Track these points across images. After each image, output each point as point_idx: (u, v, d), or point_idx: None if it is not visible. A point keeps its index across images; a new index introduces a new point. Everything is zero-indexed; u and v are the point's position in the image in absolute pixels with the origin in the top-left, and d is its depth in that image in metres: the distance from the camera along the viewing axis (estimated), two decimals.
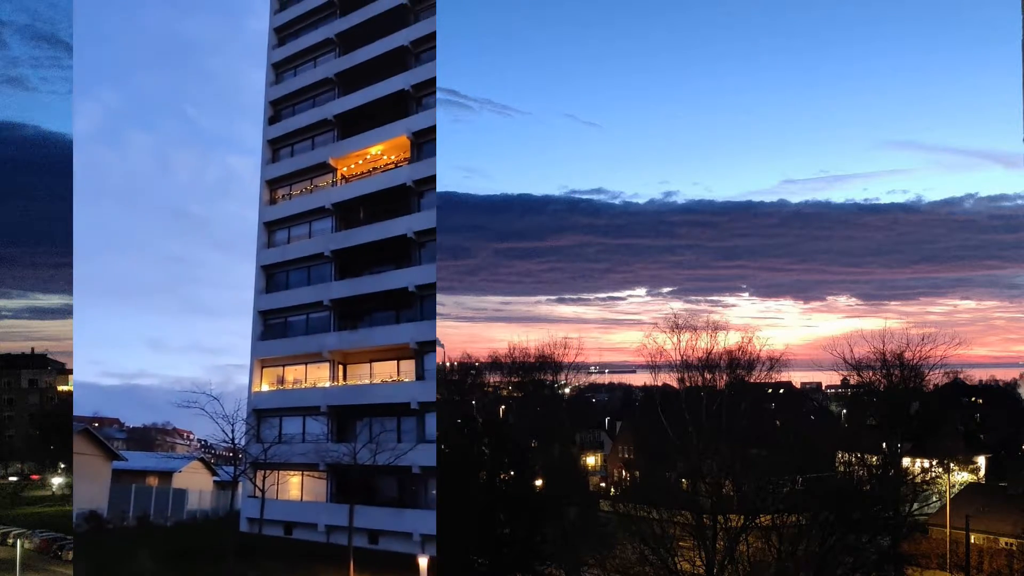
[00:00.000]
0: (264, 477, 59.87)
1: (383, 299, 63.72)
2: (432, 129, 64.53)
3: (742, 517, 47.87)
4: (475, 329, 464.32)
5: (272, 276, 71.81)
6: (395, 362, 62.33)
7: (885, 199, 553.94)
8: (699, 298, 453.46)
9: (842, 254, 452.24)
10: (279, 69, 78.78)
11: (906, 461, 75.34)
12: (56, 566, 72.03)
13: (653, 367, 66.39)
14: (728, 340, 63.80)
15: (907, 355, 75.13)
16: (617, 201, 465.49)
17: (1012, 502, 66.32)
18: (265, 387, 68.98)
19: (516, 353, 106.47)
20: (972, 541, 62.01)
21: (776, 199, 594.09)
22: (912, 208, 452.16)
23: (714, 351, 62.01)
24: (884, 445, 72.18)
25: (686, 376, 62.97)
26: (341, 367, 65.76)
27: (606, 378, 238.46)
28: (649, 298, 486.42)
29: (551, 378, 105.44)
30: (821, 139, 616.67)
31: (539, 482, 68.43)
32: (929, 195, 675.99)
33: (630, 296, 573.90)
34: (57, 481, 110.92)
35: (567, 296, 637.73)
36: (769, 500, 49.09)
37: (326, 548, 58.33)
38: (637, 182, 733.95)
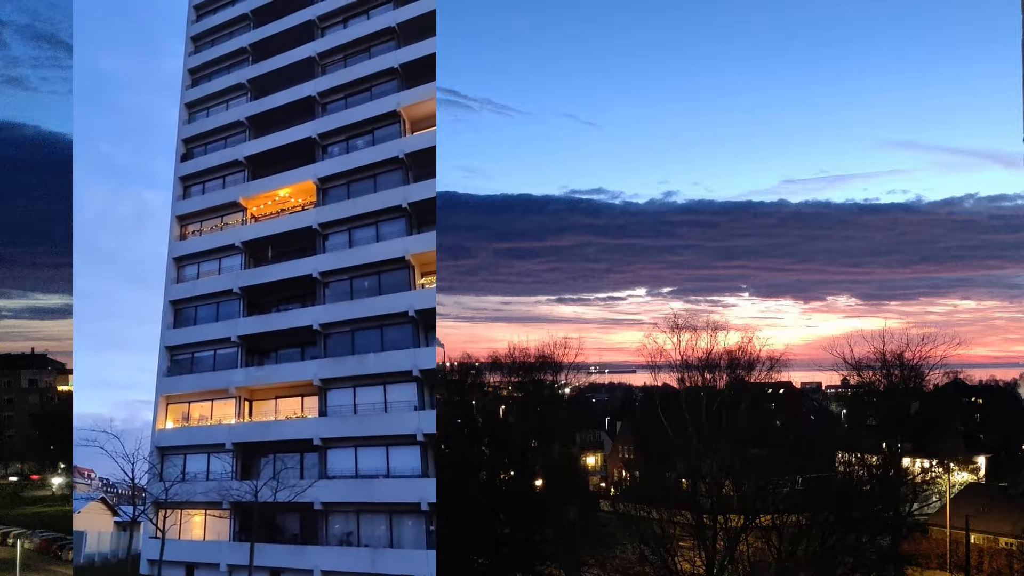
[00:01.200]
0: (165, 517, 59.59)
1: (290, 336, 64.51)
2: (343, 174, 66.10)
3: (742, 517, 47.89)
4: (475, 329, 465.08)
5: (180, 311, 71.89)
6: (300, 399, 62.86)
7: (885, 199, 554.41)
8: (699, 298, 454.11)
9: (842, 254, 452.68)
10: (192, 108, 79.97)
11: (906, 461, 75.37)
12: (56, 566, 72.03)
13: (653, 367, 66.44)
14: (728, 340, 63.87)
15: (907, 355, 75.29)
16: (617, 201, 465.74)
17: (1012, 502, 66.34)
18: (170, 424, 68.53)
19: (516, 353, 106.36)
20: (972, 541, 62.02)
21: (776, 199, 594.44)
22: (912, 208, 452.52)
23: (714, 351, 62.07)
24: (884, 445, 72.24)
25: (686, 376, 62.98)
26: (247, 404, 65.97)
27: (606, 378, 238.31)
28: (649, 298, 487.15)
29: (551, 378, 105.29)
30: (821, 139, 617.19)
31: (539, 482, 68.44)
32: (929, 195, 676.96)
33: (630, 296, 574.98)
34: (57, 481, 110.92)
35: (567, 296, 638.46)
36: (769, 500, 49.12)
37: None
38: (637, 182, 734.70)
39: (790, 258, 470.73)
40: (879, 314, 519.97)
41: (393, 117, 65.14)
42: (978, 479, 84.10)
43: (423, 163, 62.80)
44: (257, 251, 69.80)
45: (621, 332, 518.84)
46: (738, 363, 64.60)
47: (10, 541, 74.73)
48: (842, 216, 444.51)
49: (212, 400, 66.33)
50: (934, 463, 73.92)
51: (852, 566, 49.56)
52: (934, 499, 70.33)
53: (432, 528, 53.22)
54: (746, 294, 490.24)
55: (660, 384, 79.35)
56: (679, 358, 61.93)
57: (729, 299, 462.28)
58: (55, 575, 69.84)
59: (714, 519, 47.89)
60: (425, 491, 53.55)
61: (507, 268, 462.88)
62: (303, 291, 65.21)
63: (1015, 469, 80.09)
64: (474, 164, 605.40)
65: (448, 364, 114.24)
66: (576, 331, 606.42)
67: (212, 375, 66.90)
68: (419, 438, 54.81)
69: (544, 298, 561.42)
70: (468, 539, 50.08)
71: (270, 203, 71.10)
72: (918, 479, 68.72)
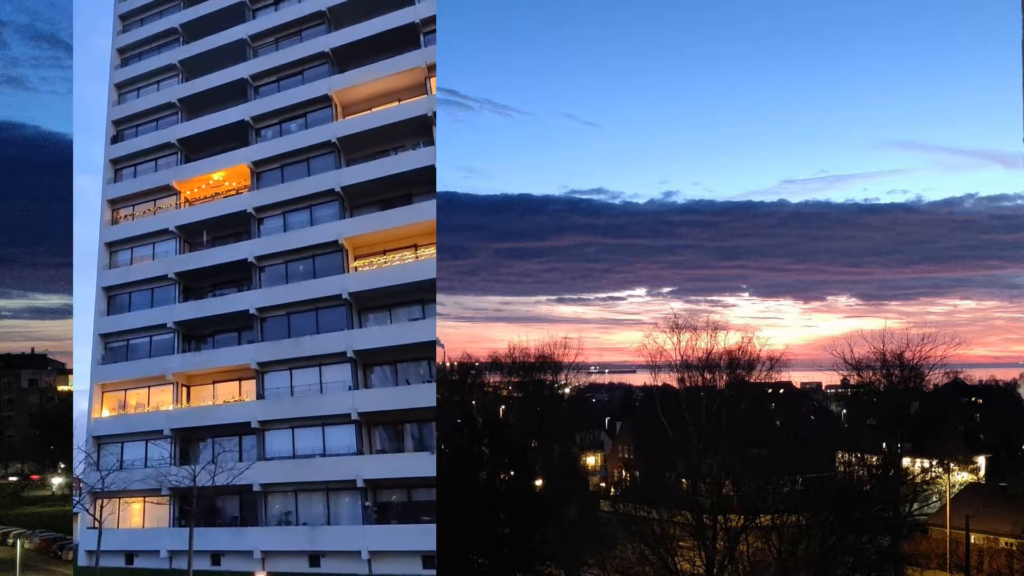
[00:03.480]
0: (102, 506, 59.48)
1: (226, 321, 64.36)
2: (277, 157, 65.87)
3: (742, 517, 47.89)
4: (475, 329, 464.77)
5: (114, 298, 71.27)
6: (237, 382, 62.90)
7: (885, 199, 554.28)
8: (699, 298, 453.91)
9: (842, 254, 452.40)
10: (122, 89, 79.08)
11: (906, 461, 75.32)
12: (56, 566, 72.04)
13: (653, 367, 66.51)
14: (728, 340, 63.90)
15: (907, 355, 75.25)
16: (617, 201, 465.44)
17: (1012, 502, 66.28)
18: (106, 412, 68.12)
19: (516, 353, 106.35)
20: (972, 541, 61.97)
21: (776, 199, 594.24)
22: (912, 208, 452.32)
23: (714, 351, 62.12)
24: (884, 445, 72.17)
25: (686, 376, 63.01)
26: (185, 389, 65.84)
27: (606, 378, 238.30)
28: (649, 298, 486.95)
29: (551, 378, 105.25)
30: (821, 139, 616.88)
31: (539, 482, 68.43)
32: (929, 195, 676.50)
33: (630, 296, 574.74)
34: (57, 481, 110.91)
35: (567, 296, 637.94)
36: (769, 500, 49.12)
37: (168, 574, 58.80)
38: (637, 182, 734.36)
39: (790, 258, 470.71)
40: (879, 314, 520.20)
41: (325, 101, 65.15)
42: (978, 479, 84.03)
43: (355, 147, 63.09)
44: (192, 236, 69.10)
45: (621, 332, 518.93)
46: (738, 363, 64.65)
47: (10, 541, 74.74)
48: (842, 216, 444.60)
49: (149, 387, 66.14)
50: (934, 463, 73.85)
51: (852, 566, 49.55)
52: (934, 499, 70.28)
53: (367, 504, 54.31)
54: (746, 294, 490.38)
55: (660, 384, 79.34)
56: (679, 358, 62.05)
57: (729, 299, 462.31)
58: (55, 575, 69.86)
59: (714, 519, 47.88)
60: (360, 468, 54.54)
61: (507, 268, 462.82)
62: (239, 275, 64.88)
63: (1015, 469, 80.00)
64: (474, 164, 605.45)
65: (448, 364, 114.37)
66: (576, 331, 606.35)
67: (148, 362, 66.44)
68: (354, 417, 55.60)
69: (544, 298, 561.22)
70: (468, 539, 50.08)
71: (204, 187, 70.15)
72: (918, 479, 68.66)
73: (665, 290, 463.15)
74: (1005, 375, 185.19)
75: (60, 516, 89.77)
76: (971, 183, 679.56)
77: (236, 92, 70.16)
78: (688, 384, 62.55)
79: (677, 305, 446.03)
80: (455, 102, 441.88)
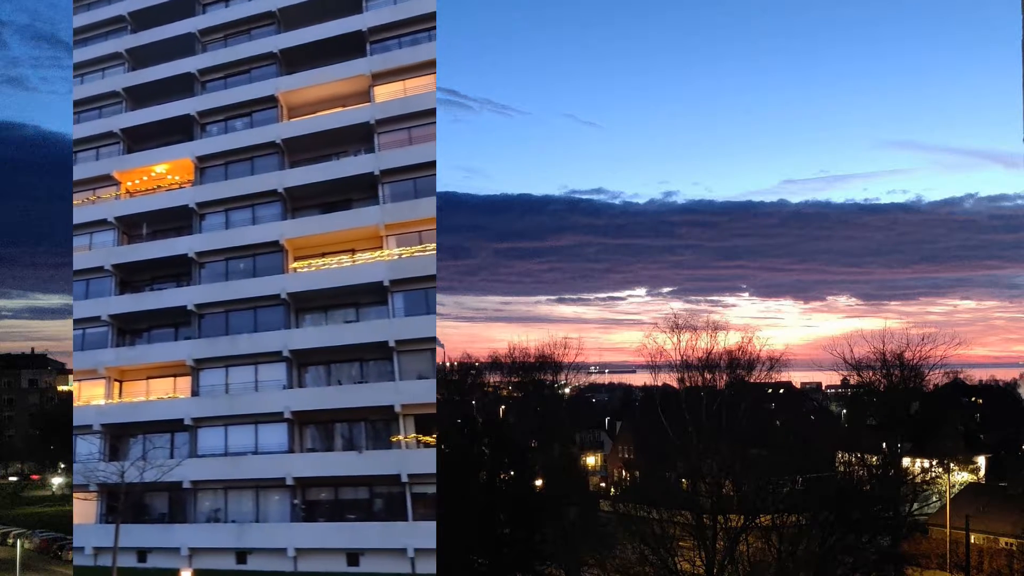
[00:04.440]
0: None
1: (163, 316, 63.62)
2: (222, 154, 65.37)
3: (742, 517, 47.90)
4: (475, 329, 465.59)
5: None
6: (172, 379, 62.52)
7: (885, 199, 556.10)
8: (699, 298, 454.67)
9: (842, 254, 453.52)
10: (75, 73, 77.50)
11: (906, 461, 75.31)
12: (56, 566, 72.11)
13: (653, 367, 66.47)
14: (728, 340, 63.85)
15: (907, 355, 75.31)
16: (617, 201, 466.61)
17: (1012, 502, 66.29)
18: None
19: (516, 353, 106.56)
20: (972, 541, 61.99)
21: (776, 199, 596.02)
22: (912, 208, 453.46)
23: (714, 351, 62.06)
24: (884, 445, 72.18)
25: (686, 376, 62.97)
26: (117, 384, 65.17)
27: (606, 378, 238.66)
28: (649, 298, 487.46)
29: (551, 378, 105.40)
30: (821, 139, 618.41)
31: (539, 482, 68.43)
32: (929, 195, 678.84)
33: (630, 296, 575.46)
34: (57, 481, 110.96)
35: (567, 296, 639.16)
36: (769, 500, 49.12)
37: (93, 571, 58.40)
38: (637, 182, 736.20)
39: (790, 258, 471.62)
40: (879, 314, 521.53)
41: (272, 102, 65.10)
42: (978, 479, 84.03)
43: (299, 149, 63.17)
44: (131, 228, 68.19)
45: (621, 332, 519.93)
46: (738, 363, 64.60)
47: (10, 541, 74.80)
48: (842, 216, 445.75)
49: (80, 380, 65.62)
50: (934, 463, 73.85)
51: (852, 566, 49.53)
52: (934, 499, 70.30)
53: (296, 501, 54.67)
54: (746, 294, 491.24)
55: (660, 384, 79.35)
56: (679, 358, 61.98)
57: (729, 299, 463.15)
58: (55, 575, 69.89)
59: (714, 519, 47.90)
60: (291, 466, 54.86)
61: (507, 268, 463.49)
62: (178, 271, 64.35)
63: (1015, 469, 80.00)
64: (474, 164, 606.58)
65: (448, 364, 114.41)
66: (576, 331, 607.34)
67: (81, 355, 65.58)
68: (286, 415, 55.89)
69: (544, 298, 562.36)
70: (468, 539, 50.07)
71: (146, 179, 69.19)
72: (918, 479, 68.69)
73: (665, 290, 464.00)
74: (1005, 375, 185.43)
75: (60, 516, 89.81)
76: (971, 183, 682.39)
77: (182, 85, 69.31)
78: (688, 384, 62.52)
79: (677, 305, 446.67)
80: (455, 102, 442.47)
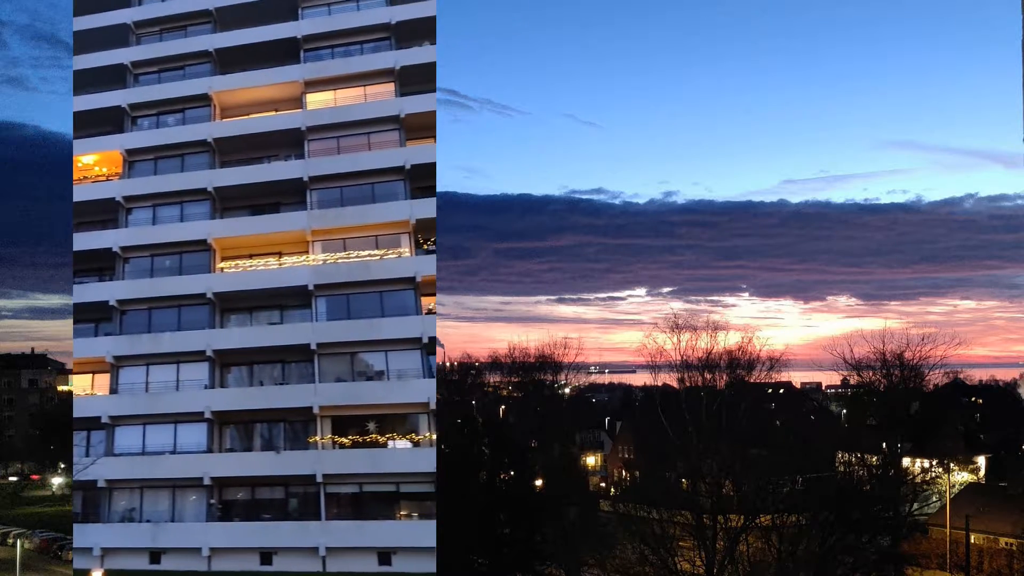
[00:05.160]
0: None
1: (83, 311, 62.70)
2: (152, 149, 65.12)
3: (742, 517, 47.89)
4: (475, 329, 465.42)
5: None
6: (90, 375, 62.06)
7: (885, 199, 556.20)
8: (699, 298, 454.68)
9: (842, 254, 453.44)
10: None
11: (906, 461, 75.29)
12: (56, 566, 72.09)
13: (653, 367, 66.36)
14: (728, 340, 63.75)
15: (907, 355, 75.21)
16: (617, 201, 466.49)
17: (1012, 502, 66.27)
18: None
19: (516, 353, 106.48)
20: (972, 541, 61.98)
21: (776, 199, 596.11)
22: (912, 208, 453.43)
23: (714, 351, 61.93)
24: (884, 445, 72.14)
25: (686, 376, 62.89)
26: None
27: (606, 378, 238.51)
28: (649, 298, 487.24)
29: (551, 378, 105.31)
30: (821, 139, 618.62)
31: (539, 482, 68.42)
32: (929, 195, 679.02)
33: (630, 296, 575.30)
34: (57, 481, 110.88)
35: (567, 296, 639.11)
36: (769, 500, 49.11)
37: None
38: (637, 182, 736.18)
39: (790, 258, 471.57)
40: (879, 314, 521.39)
41: (205, 100, 65.10)
42: (978, 479, 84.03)
43: (230, 150, 63.37)
44: None
45: (621, 332, 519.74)
46: (738, 363, 64.50)
47: (10, 541, 74.78)
48: (842, 216, 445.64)
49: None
50: (934, 463, 73.83)
51: (852, 566, 49.53)
52: (934, 499, 70.28)
53: (213, 501, 54.78)
54: (746, 294, 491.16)
55: (660, 384, 79.30)
56: (679, 358, 61.86)
57: (729, 299, 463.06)
58: (55, 575, 69.88)
59: (714, 519, 47.88)
60: (209, 466, 54.95)
61: (507, 268, 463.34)
62: (101, 264, 63.72)
63: (1015, 469, 80.00)
64: (474, 164, 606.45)
65: (448, 364, 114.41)
66: (576, 331, 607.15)
67: None
68: (207, 415, 55.94)
69: (544, 298, 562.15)
70: (468, 539, 50.08)
71: (73, 169, 68.38)
72: (918, 479, 68.67)
73: (665, 290, 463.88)
74: (1005, 375, 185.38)
75: (60, 516, 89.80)
76: (971, 183, 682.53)
77: (115, 76, 68.82)
78: (688, 384, 62.45)
79: (677, 305, 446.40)
80: (455, 102, 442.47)
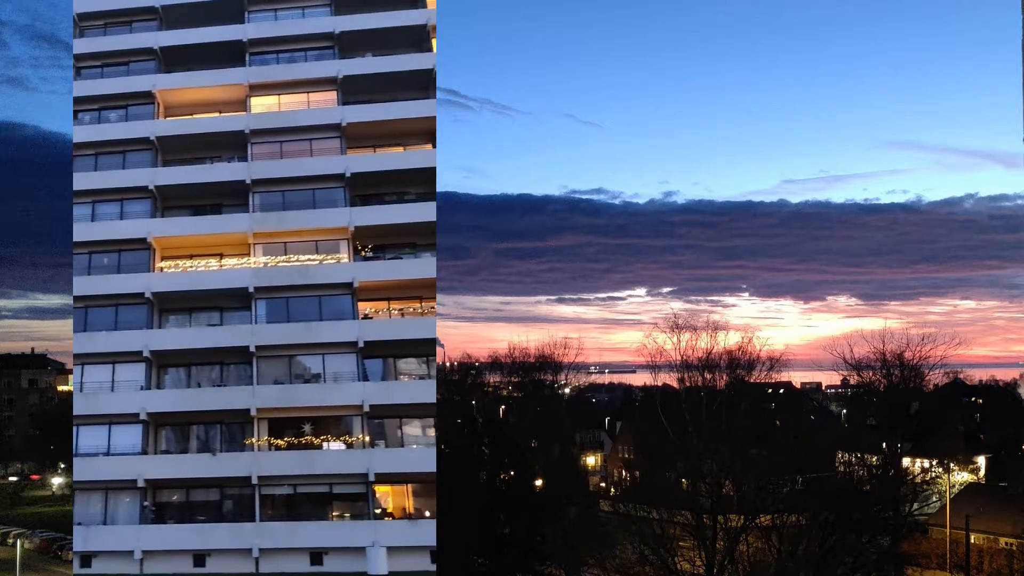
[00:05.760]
0: None
1: None
2: (93, 144, 64.17)
3: (742, 517, 47.88)
4: (475, 329, 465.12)
5: None
6: None
7: (885, 199, 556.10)
8: (699, 298, 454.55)
9: (842, 254, 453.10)
10: None
11: (906, 461, 75.31)
12: (56, 566, 72.12)
13: (653, 367, 66.38)
14: (728, 340, 63.74)
15: (907, 355, 75.15)
16: (617, 201, 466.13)
17: (1012, 502, 66.29)
18: None
19: (516, 353, 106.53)
20: (972, 541, 61.99)
21: (776, 199, 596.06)
22: (912, 208, 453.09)
23: (714, 351, 61.91)
24: (884, 445, 72.16)
25: (686, 376, 62.87)
26: None
27: (606, 378, 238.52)
28: (649, 298, 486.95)
29: (551, 378, 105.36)
30: (821, 139, 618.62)
31: (539, 482, 68.42)
32: (929, 195, 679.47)
33: (630, 296, 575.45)
34: (57, 481, 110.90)
35: (567, 296, 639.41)
36: (769, 500, 49.12)
37: None
38: (637, 182, 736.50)
39: (790, 258, 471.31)
40: (879, 314, 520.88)
41: (148, 97, 64.89)
42: (978, 479, 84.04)
43: (173, 149, 63.17)
44: None
45: (621, 332, 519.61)
46: (738, 363, 64.48)
47: (10, 541, 74.79)
48: (842, 216, 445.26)
49: None
50: (934, 463, 73.85)
51: (852, 566, 49.53)
52: (934, 499, 70.28)
53: (147, 504, 54.57)
54: (746, 294, 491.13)
55: (660, 384, 79.30)
56: (679, 358, 61.85)
57: (729, 299, 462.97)
58: (55, 575, 69.89)
59: (714, 519, 47.86)
60: (144, 468, 54.71)
61: (507, 268, 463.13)
62: None
63: (1015, 469, 79.99)
64: (474, 164, 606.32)
65: (448, 364, 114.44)
66: (576, 331, 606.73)
67: None
68: (142, 416, 55.68)
69: (544, 298, 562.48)
70: (468, 539, 50.07)
71: None
72: (918, 479, 68.68)
73: (665, 290, 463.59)
74: (1005, 375, 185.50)
75: (60, 516, 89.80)
76: (971, 183, 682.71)
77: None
78: (688, 384, 62.43)
79: (677, 305, 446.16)
80: (455, 102, 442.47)
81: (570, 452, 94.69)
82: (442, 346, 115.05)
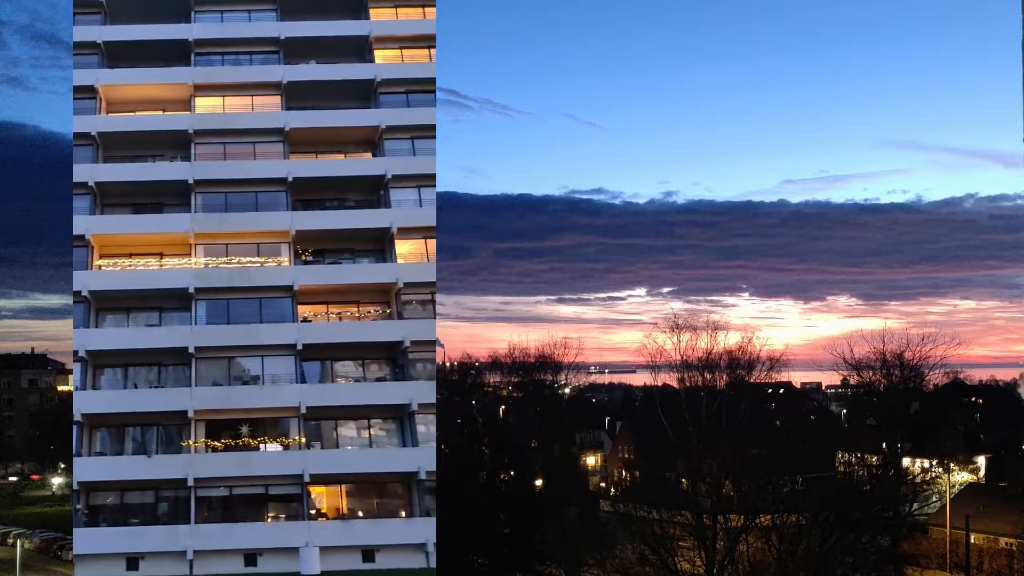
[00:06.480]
0: None
1: None
2: None
3: (742, 517, 47.89)
4: (475, 329, 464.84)
5: None
6: None
7: (885, 199, 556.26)
8: (699, 298, 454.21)
9: (842, 254, 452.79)
10: None
11: (906, 461, 75.31)
12: (56, 566, 72.08)
13: (653, 367, 66.50)
14: (728, 340, 63.82)
15: (907, 355, 75.30)
16: (617, 201, 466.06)
17: (1012, 502, 66.26)
18: None
19: (516, 353, 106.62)
20: (972, 541, 61.98)
21: (776, 199, 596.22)
22: (912, 208, 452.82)
23: (714, 351, 62.00)
24: (884, 445, 72.18)
25: (686, 376, 62.94)
26: None
27: (606, 378, 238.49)
28: (649, 298, 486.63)
29: (551, 378, 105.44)
30: (821, 139, 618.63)
31: (539, 482, 68.41)
32: (929, 195, 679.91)
33: (630, 296, 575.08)
34: (57, 481, 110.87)
35: (567, 296, 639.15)
36: (769, 500, 49.12)
37: None
38: (637, 182, 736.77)
39: (790, 258, 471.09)
40: (879, 314, 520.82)
41: (91, 92, 64.38)
42: (978, 479, 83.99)
43: (114, 145, 62.80)
44: None
45: (621, 332, 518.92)
46: (738, 363, 64.57)
47: (10, 541, 74.75)
48: (842, 216, 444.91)
49: None
50: (934, 463, 73.82)
51: (852, 566, 49.54)
52: (934, 499, 70.24)
53: (79, 506, 54.48)
54: (746, 294, 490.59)
55: (660, 384, 79.33)
56: (679, 358, 61.94)
57: (729, 299, 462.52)
58: (55, 575, 69.89)
59: (714, 519, 47.88)
60: (76, 470, 54.50)
61: (507, 268, 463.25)
62: None
63: (1015, 469, 79.99)
64: (474, 164, 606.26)
65: (448, 364, 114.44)
66: (576, 331, 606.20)
67: None
68: (77, 418, 55.50)
69: (544, 298, 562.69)
70: (468, 539, 50.08)
71: None
72: (918, 479, 68.64)
73: (665, 290, 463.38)
74: (1005, 375, 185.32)
75: (60, 516, 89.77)
76: (971, 183, 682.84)
77: None
78: (688, 384, 62.49)
79: (677, 305, 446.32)
80: (455, 102, 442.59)
81: (570, 452, 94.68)
82: (442, 346, 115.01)
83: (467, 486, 51.92)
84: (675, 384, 68.19)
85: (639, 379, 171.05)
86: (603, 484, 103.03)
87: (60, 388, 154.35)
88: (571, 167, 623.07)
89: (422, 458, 53.08)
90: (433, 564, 50.81)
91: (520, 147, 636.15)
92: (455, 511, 49.50)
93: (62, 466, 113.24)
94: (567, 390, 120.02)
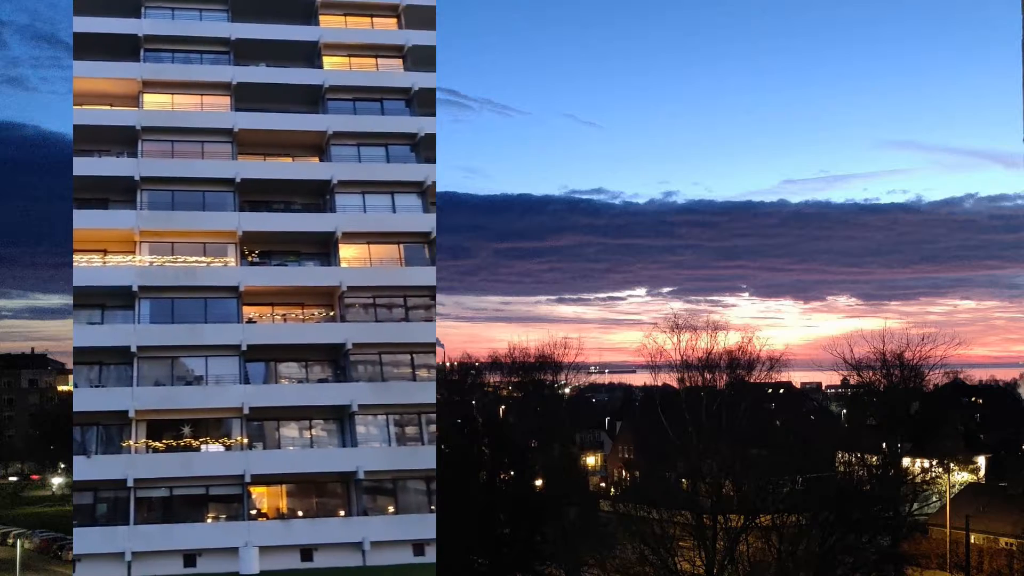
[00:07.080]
0: None
1: None
2: None
3: (742, 517, 47.88)
4: (475, 329, 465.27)
5: None
6: None
7: (885, 199, 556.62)
8: (699, 298, 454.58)
9: (842, 254, 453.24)
10: None
11: (906, 461, 75.29)
12: (56, 566, 72.03)
13: (653, 367, 66.42)
14: (728, 340, 63.78)
15: (907, 355, 75.27)
16: (617, 201, 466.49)
17: (1012, 502, 66.25)
18: None
19: (516, 353, 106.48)
20: (972, 541, 61.96)
21: (776, 199, 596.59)
22: (912, 208, 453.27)
23: (714, 351, 61.96)
24: (884, 445, 72.15)
25: (686, 376, 62.91)
26: None
27: (606, 378, 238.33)
28: (649, 298, 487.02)
29: (551, 378, 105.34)
30: (821, 139, 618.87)
31: (539, 482, 68.37)
32: (929, 195, 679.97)
33: (630, 296, 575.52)
34: (57, 481, 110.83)
35: (567, 296, 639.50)
36: (769, 500, 49.11)
37: None
38: (637, 182, 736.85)
39: (790, 258, 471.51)
40: (879, 314, 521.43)
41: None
42: (978, 479, 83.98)
43: (84, 139, 62.48)
44: None
45: (621, 332, 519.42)
46: (738, 363, 64.52)
47: (10, 541, 74.70)
48: (842, 216, 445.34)
49: None
50: (934, 463, 73.80)
51: (852, 566, 49.52)
52: (934, 499, 70.24)
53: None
54: (746, 294, 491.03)
55: (660, 384, 79.28)
56: (679, 358, 61.91)
57: (729, 299, 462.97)
58: (55, 575, 69.86)
59: (714, 519, 47.87)
60: None
61: (507, 268, 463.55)
62: None
63: (1015, 469, 79.97)
64: (474, 164, 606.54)
65: (448, 364, 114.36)
66: (576, 331, 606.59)
67: None
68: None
69: (544, 298, 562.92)
70: (468, 539, 50.07)
71: None
72: (918, 479, 68.63)
73: (665, 290, 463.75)
74: (1005, 375, 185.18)
75: (60, 516, 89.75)
76: (971, 183, 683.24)
77: None
78: (688, 384, 62.46)
79: (677, 305, 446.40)
80: (455, 102, 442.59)
81: (570, 452, 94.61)
82: (442, 346, 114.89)
83: (467, 486, 51.91)
84: (675, 384, 68.18)
85: (639, 379, 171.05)
86: (603, 484, 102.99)
87: (60, 388, 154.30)
88: (571, 167, 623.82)
89: (360, 458, 53.73)
90: (369, 563, 51.51)
91: (520, 147, 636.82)
92: (455, 511, 49.50)
93: (62, 466, 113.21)
94: (567, 390, 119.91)
